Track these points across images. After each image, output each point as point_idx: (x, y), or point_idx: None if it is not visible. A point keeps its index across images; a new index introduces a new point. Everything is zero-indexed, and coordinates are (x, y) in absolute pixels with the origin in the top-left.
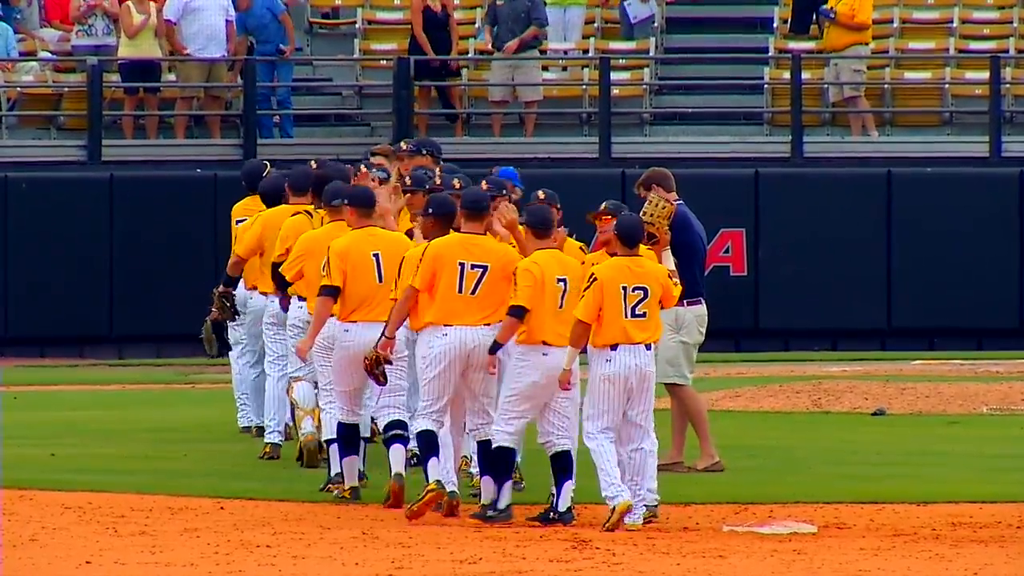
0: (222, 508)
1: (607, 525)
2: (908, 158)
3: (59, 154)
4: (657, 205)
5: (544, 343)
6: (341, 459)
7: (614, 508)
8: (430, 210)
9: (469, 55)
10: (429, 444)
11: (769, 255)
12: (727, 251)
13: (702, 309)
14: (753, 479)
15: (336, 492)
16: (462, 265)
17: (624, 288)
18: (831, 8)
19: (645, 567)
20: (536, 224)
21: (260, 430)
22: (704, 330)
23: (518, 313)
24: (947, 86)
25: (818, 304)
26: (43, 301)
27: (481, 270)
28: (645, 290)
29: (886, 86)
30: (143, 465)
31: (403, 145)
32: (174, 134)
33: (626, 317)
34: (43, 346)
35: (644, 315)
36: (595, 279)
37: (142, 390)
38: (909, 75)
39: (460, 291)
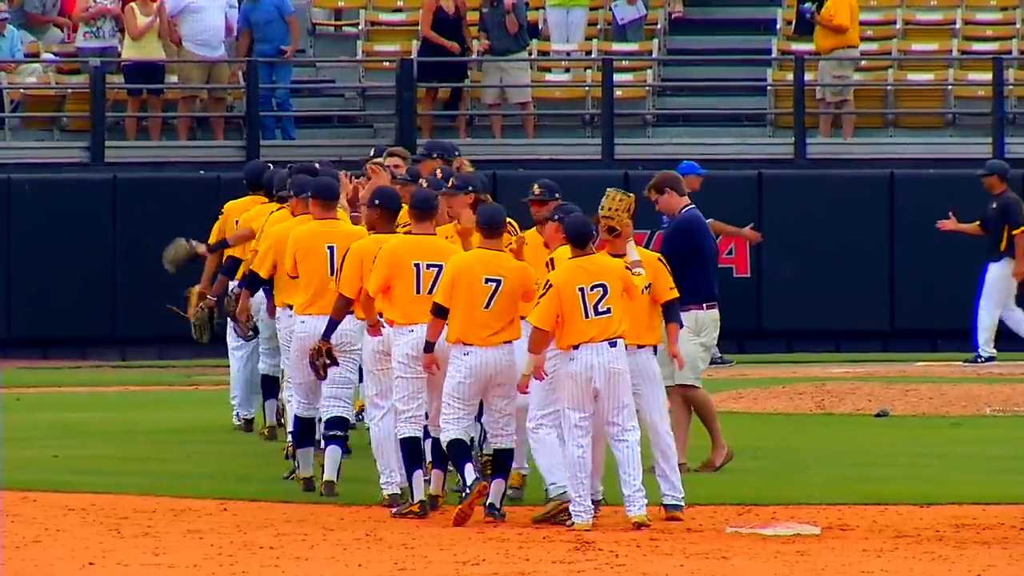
0: (225, 510)
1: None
2: (911, 159)
3: (62, 155)
4: (615, 199)
5: (462, 343)
6: (296, 450)
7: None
8: (376, 201)
9: (473, 57)
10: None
11: (774, 258)
12: (730, 253)
13: (717, 312)
14: (756, 480)
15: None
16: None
17: (581, 289)
18: (810, 6)
19: (648, 568)
20: (484, 224)
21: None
22: (717, 334)
23: (434, 311)
24: (950, 88)
25: (821, 305)
26: (46, 302)
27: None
28: (604, 287)
29: (889, 87)
30: (146, 467)
31: (418, 149)
32: (177, 136)
33: (587, 317)
34: (46, 347)
35: (608, 311)
36: (550, 285)
37: (145, 392)
38: (912, 76)
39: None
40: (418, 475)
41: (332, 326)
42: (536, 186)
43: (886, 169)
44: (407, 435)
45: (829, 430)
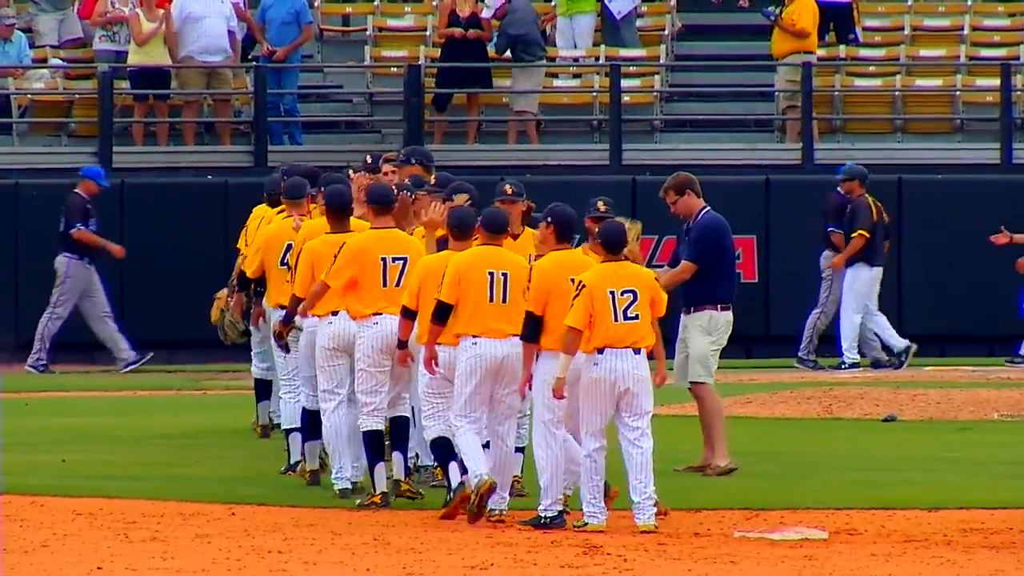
0: (233, 514)
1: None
2: (919, 165)
3: (70, 161)
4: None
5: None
6: (303, 444)
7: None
8: (325, 201)
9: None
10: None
11: (781, 263)
12: (738, 258)
13: (731, 315)
14: (764, 485)
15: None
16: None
17: (612, 293)
18: (773, 10)
19: (656, 572)
20: (453, 226)
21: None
22: (728, 336)
23: (402, 312)
24: (958, 93)
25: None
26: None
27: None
28: (634, 293)
29: (897, 93)
30: (154, 471)
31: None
32: (184, 141)
33: (616, 321)
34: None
35: (636, 318)
36: (583, 286)
37: (153, 396)
38: (920, 82)
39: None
40: (380, 467)
41: (288, 319)
42: (508, 186)
43: (894, 175)
44: (369, 428)
45: (837, 435)
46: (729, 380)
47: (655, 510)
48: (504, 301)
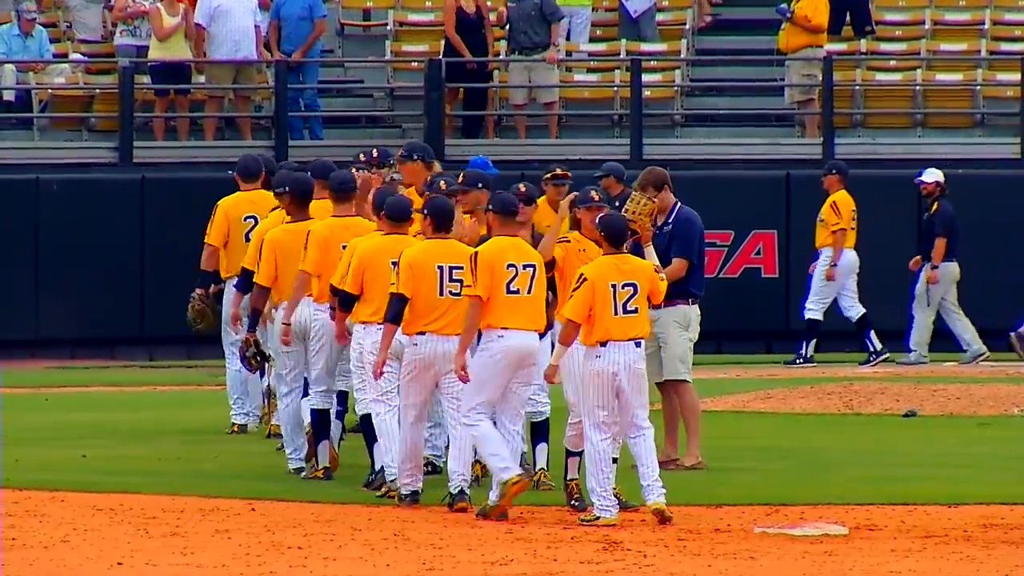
0: (253, 509)
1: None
2: (939, 160)
3: (91, 155)
4: (639, 203)
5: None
6: (316, 444)
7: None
8: (284, 189)
9: (500, 57)
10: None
11: (801, 259)
12: (758, 253)
13: (698, 308)
14: (784, 480)
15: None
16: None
17: (613, 285)
18: (788, 7)
19: (676, 568)
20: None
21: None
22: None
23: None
24: (978, 88)
25: None
26: (74, 302)
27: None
28: (635, 286)
29: (917, 88)
30: (174, 466)
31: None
32: (205, 136)
33: (616, 314)
34: (74, 347)
35: (636, 311)
36: (584, 279)
37: (173, 392)
38: (940, 77)
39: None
40: (324, 444)
41: (255, 316)
42: (521, 185)
43: (914, 169)
44: (318, 407)
45: (857, 430)
46: (749, 375)
47: (664, 491)
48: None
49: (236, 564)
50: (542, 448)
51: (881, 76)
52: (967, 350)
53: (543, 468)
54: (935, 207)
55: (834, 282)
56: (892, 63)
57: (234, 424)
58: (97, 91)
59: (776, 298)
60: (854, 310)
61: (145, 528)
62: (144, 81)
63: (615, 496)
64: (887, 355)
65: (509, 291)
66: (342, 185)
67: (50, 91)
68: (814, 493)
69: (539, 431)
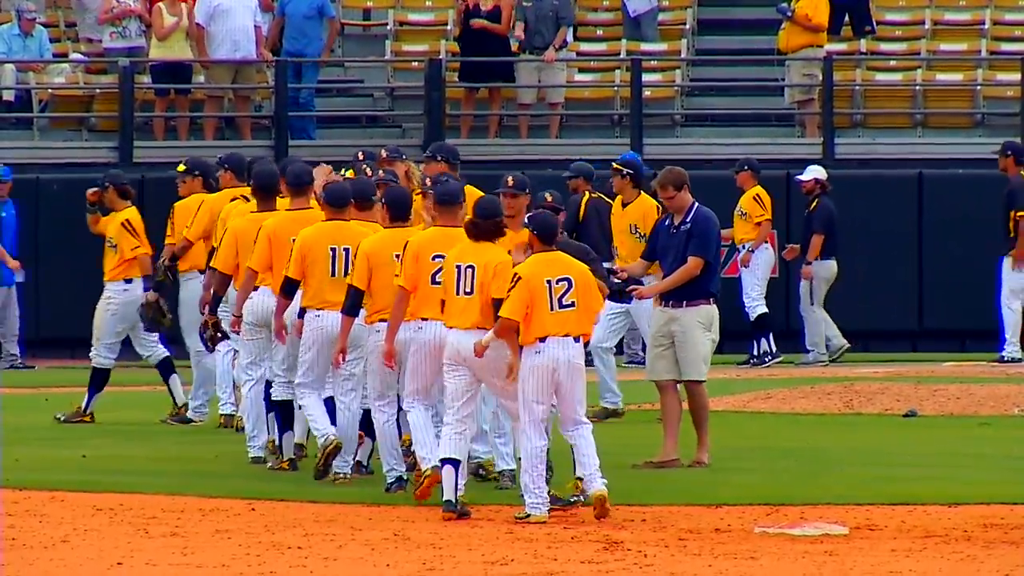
0: (253, 509)
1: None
2: (939, 159)
3: (91, 155)
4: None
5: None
6: (281, 436)
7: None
8: (252, 183)
9: (509, 58)
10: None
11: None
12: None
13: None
14: (784, 480)
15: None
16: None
17: (548, 282)
18: (788, 6)
19: (676, 568)
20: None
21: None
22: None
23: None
24: (979, 88)
25: (849, 305)
26: (74, 303)
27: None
28: (569, 280)
29: (917, 88)
30: (174, 466)
31: (383, 152)
32: (204, 136)
33: (553, 310)
34: (74, 348)
35: (572, 305)
36: (519, 278)
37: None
38: (940, 77)
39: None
40: (288, 436)
41: (216, 301)
42: (510, 178)
43: (914, 169)
44: (281, 398)
45: (857, 430)
46: (750, 375)
47: (605, 480)
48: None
49: (236, 564)
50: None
51: (881, 76)
52: (810, 351)
53: (579, 478)
54: (815, 204)
55: (754, 271)
56: (892, 63)
57: (221, 416)
58: (97, 91)
59: (777, 299)
60: (759, 307)
61: (145, 528)
62: (144, 81)
63: (549, 495)
64: (780, 358)
65: (434, 281)
66: (297, 179)
67: (50, 91)
68: (814, 493)
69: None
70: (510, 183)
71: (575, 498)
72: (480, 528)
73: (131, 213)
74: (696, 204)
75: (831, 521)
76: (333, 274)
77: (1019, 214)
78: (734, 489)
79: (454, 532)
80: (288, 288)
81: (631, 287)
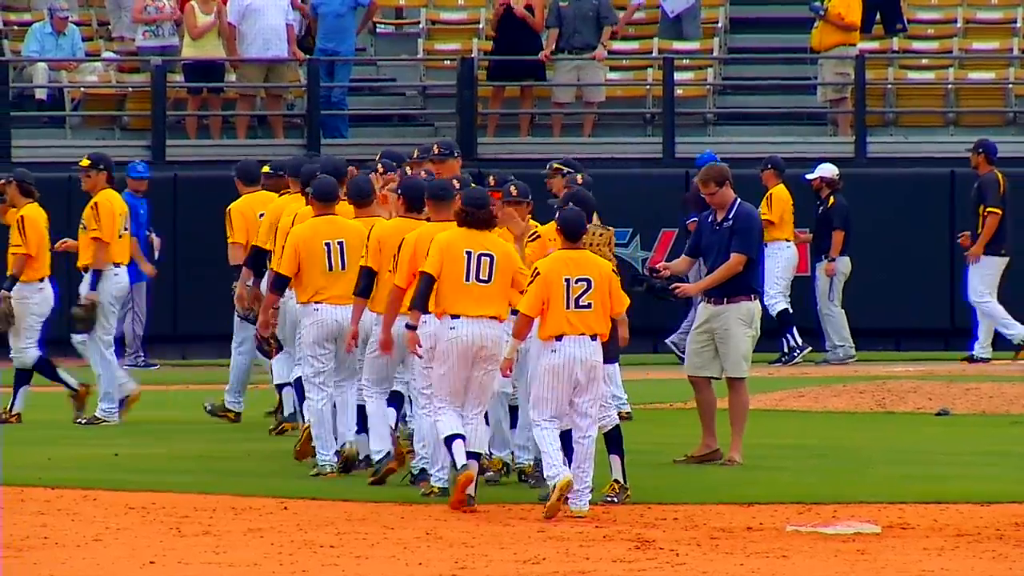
0: (285, 508)
1: (547, 505)
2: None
3: (123, 154)
4: (597, 234)
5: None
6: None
7: (555, 485)
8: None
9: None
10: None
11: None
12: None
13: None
14: (817, 479)
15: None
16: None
17: (567, 280)
18: (821, 5)
19: (709, 567)
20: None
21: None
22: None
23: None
24: (1011, 86)
25: (881, 304)
26: None
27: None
28: (588, 281)
29: (950, 86)
30: (206, 465)
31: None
32: (237, 135)
33: (568, 308)
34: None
35: (589, 306)
36: (538, 273)
37: (205, 390)
38: (972, 75)
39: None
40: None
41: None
42: (512, 187)
43: (946, 168)
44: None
45: (890, 429)
46: (782, 374)
47: (590, 497)
48: (343, 268)
49: (268, 563)
50: (615, 460)
51: (913, 75)
52: (840, 346)
53: (617, 480)
54: (832, 201)
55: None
56: (924, 61)
57: (232, 413)
58: (129, 90)
59: (807, 296)
60: (778, 303)
61: (177, 527)
62: (176, 80)
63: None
64: (808, 348)
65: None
66: (360, 190)
67: (82, 90)
68: (846, 491)
69: (611, 440)
70: (492, 182)
71: (610, 498)
72: (512, 527)
73: (29, 211)
74: (738, 200)
75: (863, 520)
76: (330, 268)
77: (988, 210)
78: (766, 488)
79: (486, 531)
80: (279, 284)
81: (674, 285)
